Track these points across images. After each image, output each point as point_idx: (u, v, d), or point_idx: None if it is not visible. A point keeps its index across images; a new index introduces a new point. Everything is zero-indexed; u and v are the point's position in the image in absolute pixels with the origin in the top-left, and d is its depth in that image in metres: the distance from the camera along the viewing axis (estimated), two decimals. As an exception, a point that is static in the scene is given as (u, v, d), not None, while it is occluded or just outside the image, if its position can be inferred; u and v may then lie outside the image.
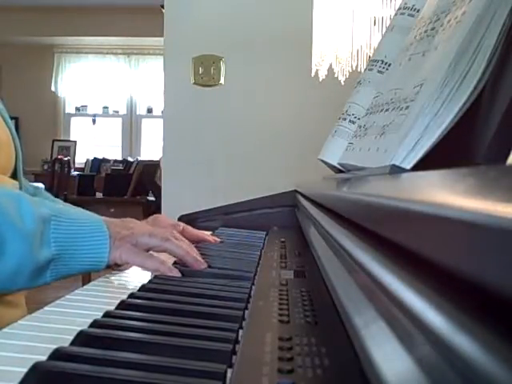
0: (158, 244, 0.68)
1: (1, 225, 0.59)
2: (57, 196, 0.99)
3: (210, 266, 0.70)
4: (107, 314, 0.43)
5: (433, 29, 0.54)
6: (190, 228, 0.92)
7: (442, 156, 0.43)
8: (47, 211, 0.64)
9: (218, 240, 0.94)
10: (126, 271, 0.71)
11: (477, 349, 0.14)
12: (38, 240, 0.61)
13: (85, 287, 0.61)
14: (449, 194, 0.19)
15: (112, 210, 4.12)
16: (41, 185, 5.17)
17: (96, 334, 0.38)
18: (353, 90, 0.87)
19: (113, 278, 0.67)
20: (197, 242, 0.89)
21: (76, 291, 0.57)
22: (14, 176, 0.84)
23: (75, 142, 6.47)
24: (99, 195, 4.73)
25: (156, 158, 5.01)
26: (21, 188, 0.83)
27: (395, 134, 0.48)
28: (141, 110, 6.59)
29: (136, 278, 0.67)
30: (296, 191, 1.19)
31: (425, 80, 0.47)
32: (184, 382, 0.31)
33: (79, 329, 0.37)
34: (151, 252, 0.69)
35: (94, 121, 6.62)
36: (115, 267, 0.71)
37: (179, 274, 0.65)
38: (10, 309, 0.75)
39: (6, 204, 0.61)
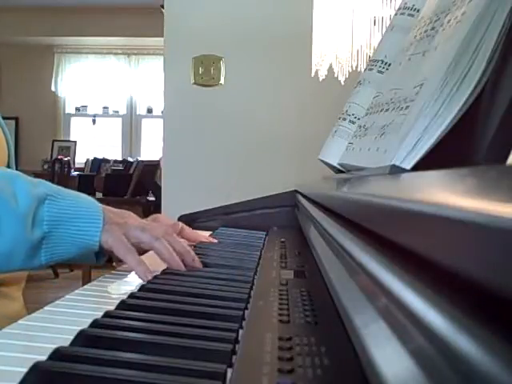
0: (147, 241, 0.67)
1: None
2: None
3: (208, 266, 0.70)
4: (107, 314, 0.43)
5: (433, 29, 0.54)
6: (188, 229, 0.92)
7: (442, 156, 0.43)
8: (43, 190, 0.63)
9: (215, 241, 0.94)
10: (125, 272, 0.71)
11: (477, 349, 0.14)
12: (31, 219, 0.60)
13: (85, 287, 0.61)
14: (449, 194, 0.19)
15: (112, 210, 4.11)
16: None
17: (96, 333, 0.38)
18: (353, 90, 0.87)
19: (113, 278, 0.67)
20: (194, 243, 0.89)
21: (76, 291, 0.57)
22: None
23: (75, 142, 6.46)
24: (99, 195, 4.72)
25: (156, 158, 5.01)
26: None
27: (395, 134, 0.48)
28: (141, 110, 6.58)
29: (136, 278, 0.67)
30: (296, 191, 1.19)
31: (425, 80, 0.47)
32: (184, 382, 0.31)
33: (79, 329, 0.37)
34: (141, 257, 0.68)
35: (93, 121, 6.62)
36: (119, 263, 0.71)
37: (148, 279, 0.62)
38: (6, 301, 0.75)
39: (1, 185, 0.61)
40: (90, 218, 0.65)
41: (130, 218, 0.70)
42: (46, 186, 0.65)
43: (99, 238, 0.64)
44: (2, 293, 0.74)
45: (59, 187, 0.67)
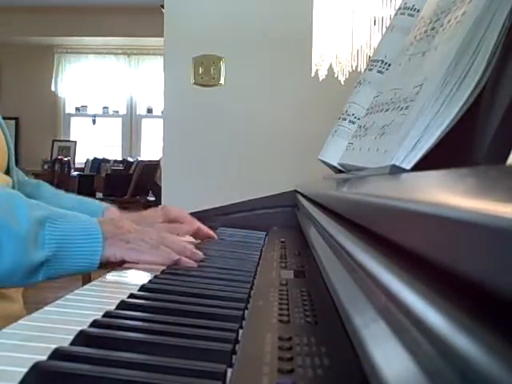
0: (145, 250, 0.69)
1: None
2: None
3: (208, 266, 0.70)
4: (107, 314, 0.43)
5: (433, 29, 0.54)
6: (197, 223, 0.94)
7: (442, 156, 0.43)
8: (42, 213, 0.65)
9: (214, 235, 0.97)
10: (125, 272, 0.71)
11: (477, 349, 0.14)
12: (32, 242, 0.62)
13: (85, 287, 0.61)
14: (449, 194, 0.19)
15: (112, 210, 4.11)
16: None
17: (96, 333, 0.38)
18: (353, 90, 0.87)
19: (112, 278, 0.67)
20: (202, 238, 0.94)
21: (76, 291, 0.57)
22: (7, 172, 0.85)
23: (75, 142, 6.47)
24: (99, 195, 4.73)
25: (156, 158, 5.01)
26: (13, 184, 0.84)
27: (395, 134, 0.48)
28: (141, 110, 6.59)
29: (136, 278, 0.67)
30: (296, 191, 1.19)
31: (425, 80, 0.47)
32: (184, 382, 0.31)
33: (79, 329, 0.37)
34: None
35: (93, 121, 6.62)
36: (111, 266, 0.71)
37: (176, 258, 0.67)
38: (7, 303, 0.77)
39: (3, 206, 0.62)
40: (90, 240, 0.66)
41: (125, 225, 0.72)
42: (44, 209, 0.67)
43: (99, 259, 0.66)
44: (3, 295, 0.75)
45: (56, 209, 0.69)
